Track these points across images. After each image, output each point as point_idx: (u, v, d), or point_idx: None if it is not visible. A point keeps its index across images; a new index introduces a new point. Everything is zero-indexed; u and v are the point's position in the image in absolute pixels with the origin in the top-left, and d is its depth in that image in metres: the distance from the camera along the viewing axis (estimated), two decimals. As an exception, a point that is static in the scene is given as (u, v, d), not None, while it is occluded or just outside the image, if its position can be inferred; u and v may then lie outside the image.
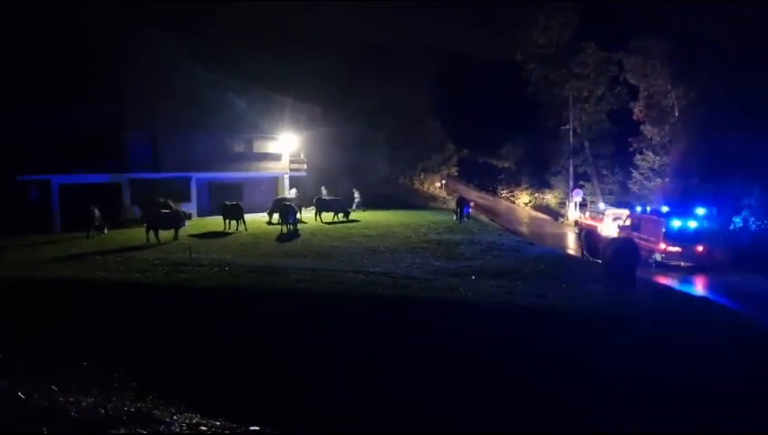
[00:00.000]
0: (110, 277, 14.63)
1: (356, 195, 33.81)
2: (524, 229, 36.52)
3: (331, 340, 10.22)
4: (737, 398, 8.32)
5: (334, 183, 35.15)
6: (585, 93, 45.82)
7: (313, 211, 29.74)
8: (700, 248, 21.62)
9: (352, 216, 30.05)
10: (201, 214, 30.68)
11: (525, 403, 8.33)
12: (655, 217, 23.28)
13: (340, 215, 29.49)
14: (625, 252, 16.00)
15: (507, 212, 46.47)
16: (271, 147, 34.70)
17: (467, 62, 52.90)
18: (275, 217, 26.47)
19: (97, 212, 23.91)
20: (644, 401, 8.14)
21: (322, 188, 33.42)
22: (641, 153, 40.73)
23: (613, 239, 20.08)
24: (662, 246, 21.77)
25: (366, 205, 33.38)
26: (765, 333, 11.66)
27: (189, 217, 24.25)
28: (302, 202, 30.42)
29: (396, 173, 49.50)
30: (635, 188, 41.02)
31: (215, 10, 42.04)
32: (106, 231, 24.03)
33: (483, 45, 54.42)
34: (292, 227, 24.58)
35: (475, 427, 7.73)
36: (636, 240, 19.74)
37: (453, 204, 36.13)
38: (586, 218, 31.31)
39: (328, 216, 29.13)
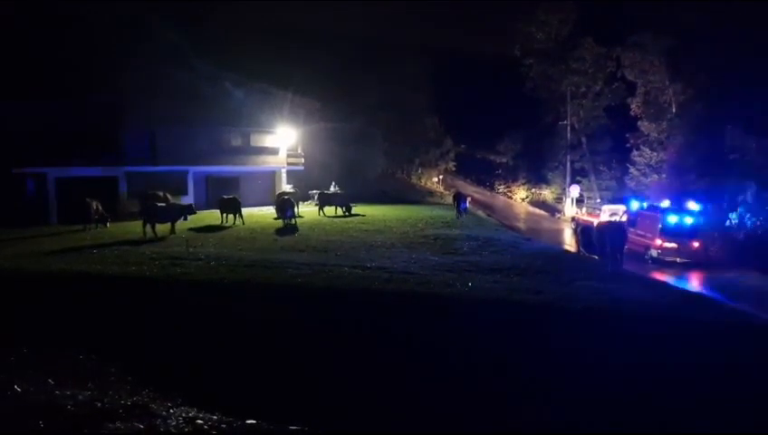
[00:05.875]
0: (107, 271, 14.60)
1: (333, 187, 33.47)
2: (521, 225, 36.55)
3: (329, 336, 10.25)
4: (734, 394, 8.36)
5: (329, 178, 35.08)
6: (583, 89, 45.83)
7: (311, 205, 29.61)
8: (696, 244, 21.72)
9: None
10: (198, 208, 30.58)
11: (522, 400, 8.36)
12: (651, 213, 23.34)
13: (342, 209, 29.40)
14: (613, 233, 18.31)
15: (504, 207, 46.55)
16: (268, 141, 34.62)
17: (465, 58, 52.77)
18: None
19: (96, 205, 23.76)
20: (641, 398, 8.17)
21: (310, 191, 33.23)
22: (638, 149, 40.78)
23: (606, 223, 20.73)
24: (658, 241, 21.85)
25: (352, 199, 30.47)
26: (761, 329, 11.71)
27: (192, 210, 23.89)
28: (300, 196, 30.35)
29: (393, 168, 49.51)
30: (632, 184, 41.10)
31: (214, 6, 41.88)
32: (108, 224, 23.93)
33: (481, 41, 54.37)
34: (288, 221, 24.48)
35: (474, 424, 7.76)
36: (632, 235, 20.44)
37: (450, 199, 36.12)
38: (582, 214, 31.39)
39: (330, 210, 29.09)
